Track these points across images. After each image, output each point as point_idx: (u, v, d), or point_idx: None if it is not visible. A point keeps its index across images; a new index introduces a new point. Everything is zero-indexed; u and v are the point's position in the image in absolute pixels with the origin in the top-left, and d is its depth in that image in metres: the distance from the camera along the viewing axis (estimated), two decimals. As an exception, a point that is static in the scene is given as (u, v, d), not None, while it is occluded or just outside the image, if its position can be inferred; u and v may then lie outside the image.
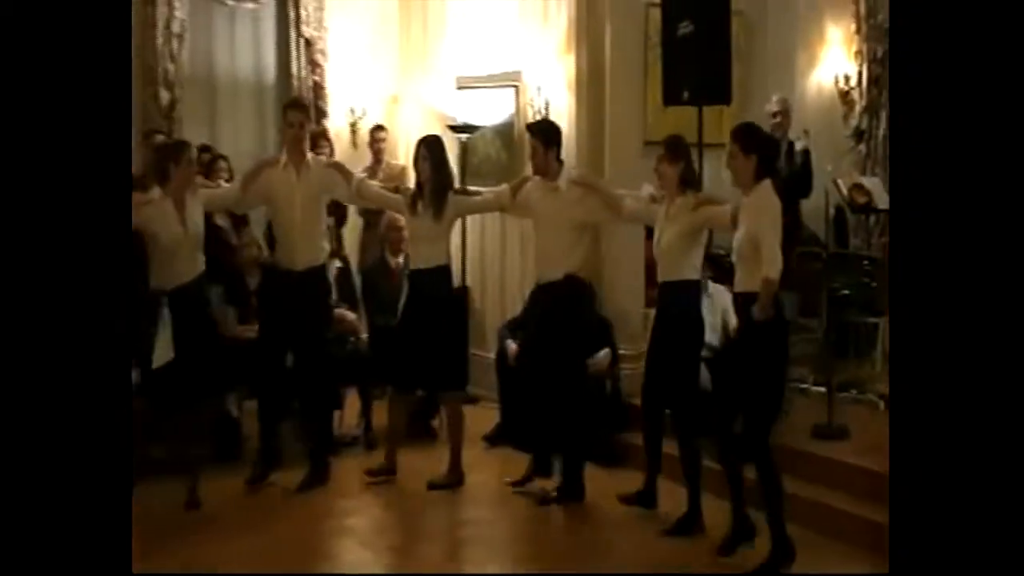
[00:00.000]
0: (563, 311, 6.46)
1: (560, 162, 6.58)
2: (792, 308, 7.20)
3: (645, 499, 6.30)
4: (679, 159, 5.98)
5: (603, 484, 6.63)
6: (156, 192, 6.06)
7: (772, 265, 5.15)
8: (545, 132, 6.59)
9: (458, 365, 6.99)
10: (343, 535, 6.24)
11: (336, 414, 7.72)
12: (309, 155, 6.76)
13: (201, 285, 6.33)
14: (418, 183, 6.73)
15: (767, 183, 5.35)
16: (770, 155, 5.57)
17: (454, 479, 6.84)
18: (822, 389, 6.97)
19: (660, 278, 6.08)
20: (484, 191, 7.42)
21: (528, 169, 8.35)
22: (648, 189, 6.46)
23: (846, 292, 7.34)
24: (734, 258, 5.53)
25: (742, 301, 5.39)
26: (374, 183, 7.28)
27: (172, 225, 6.04)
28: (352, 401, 7.87)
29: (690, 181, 6.02)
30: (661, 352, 6.09)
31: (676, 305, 6.02)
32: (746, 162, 5.35)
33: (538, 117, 8.52)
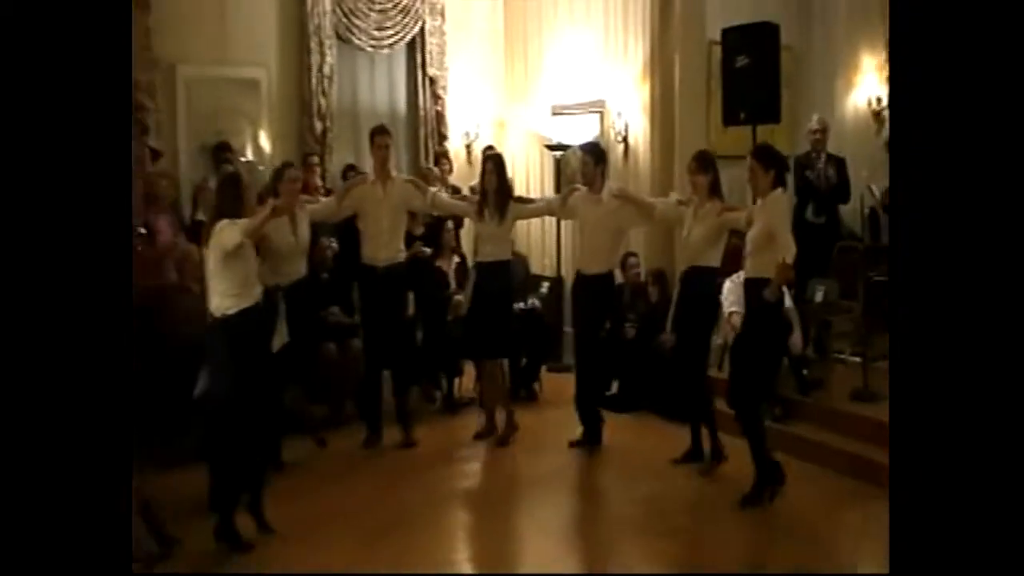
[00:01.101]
0: (606, 299, 6.64)
1: (604, 177, 6.60)
2: (833, 292, 7.13)
3: (693, 455, 6.27)
4: (708, 170, 6.03)
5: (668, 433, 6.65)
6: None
7: (789, 251, 5.22)
8: (596, 152, 6.65)
9: (508, 339, 6.92)
10: (459, 477, 6.34)
11: (456, 381, 7.82)
12: (393, 172, 6.74)
13: (307, 283, 6.29)
14: (484, 192, 6.67)
15: (779, 190, 5.45)
16: (783, 170, 5.60)
17: (509, 432, 6.83)
18: (859, 359, 6.87)
19: (687, 264, 6.15)
20: (537, 199, 7.49)
21: (612, 181, 8.38)
22: (675, 196, 6.59)
23: (880, 279, 7.19)
24: (747, 250, 5.53)
25: (752, 286, 5.46)
26: (444, 195, 7.19)
27: (285, 235, 6.00)
28: (468, 370, 7.89)
29: (717, 188, 6.06)
30: (685, 325, 6.16)
31: (699, 286, 6.08)
32: (765, 176, 5.43)
33: (619, 138, 8.54)
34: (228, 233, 4.93)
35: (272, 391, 5.47)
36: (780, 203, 5.45)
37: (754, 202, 5.72)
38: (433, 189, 7.08)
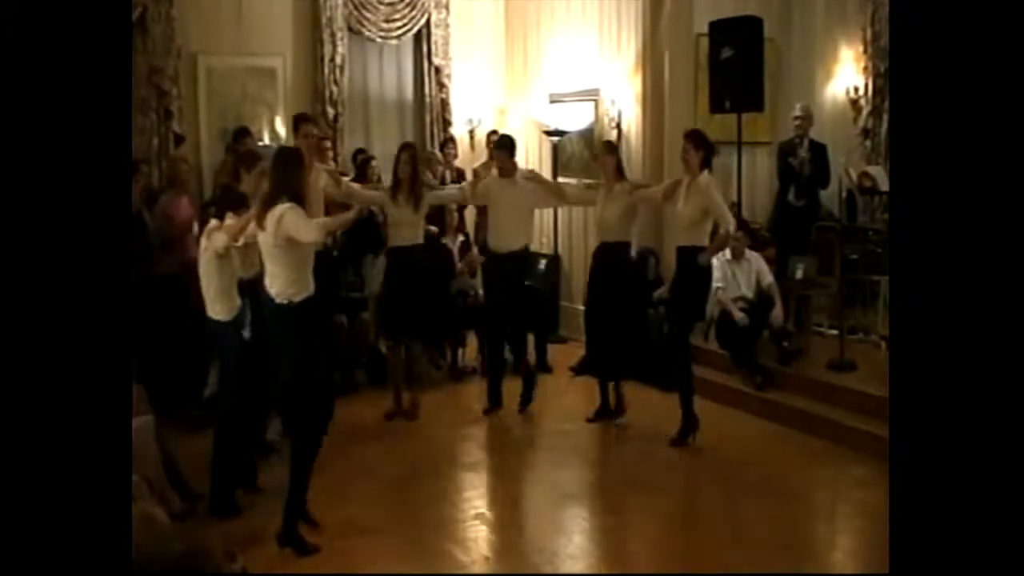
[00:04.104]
0: (522, 274, 6.72)
1: (515, 163, 6.63)
2: (812, 269, 7.14)
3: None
4: (614, 154, 6.29)
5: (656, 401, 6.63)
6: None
7: (731, 223, 5.69)
8: (509, 146, 6.63)
9: (434, 319, 6.80)
10: (466, 440, 6.35)
11: (460, 351, 7.83)
12: (316, 162, 6.30)
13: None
14: (397, 180, 6.42)
15: (707, 172, 5.74)
16: (711, 153, 5.86)
17: (409, 410, 6.61)
18: (835, 332, 6.88)
19: (601, 240, 6.30)
20: (449, 186, 7.42)
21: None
22: (586, 182, 6.94)
23: (855, 257, 7.21)
24: (680, 223, 5.86)
25: (685, 252, 5.78)
26: (356, 184, 6.89)
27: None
28: (471, 342, 7.90)
29: (622, 171, 6.28)
30: (603, 293, 6.26)
31: (616, 259, 6.24)
32: (695, 156, 5.73)
33: (612, 125, 8.50)
34: (298, 221, 4.27)
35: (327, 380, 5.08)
36: (711, 185, 5.72)
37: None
38: (347, 179, 6.83)
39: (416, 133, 9.35)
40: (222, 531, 4.60)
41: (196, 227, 6.42)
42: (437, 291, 7.06)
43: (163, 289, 6.48)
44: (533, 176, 6.75)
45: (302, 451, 4.49)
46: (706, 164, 5.75)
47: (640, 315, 6.76)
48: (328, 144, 7.80)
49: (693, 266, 5.73)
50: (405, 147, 6.73)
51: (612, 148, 6.37)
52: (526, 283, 7.93)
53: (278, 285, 4.38)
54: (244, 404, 4.96)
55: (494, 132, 9.11)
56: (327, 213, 6.60)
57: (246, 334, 4.85)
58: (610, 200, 6.18)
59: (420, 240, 6.60)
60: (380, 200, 6.72)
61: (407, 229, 6.46)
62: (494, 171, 6.65)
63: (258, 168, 5.09)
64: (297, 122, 6.44)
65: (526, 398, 6.68)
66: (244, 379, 4.87)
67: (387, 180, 7.68)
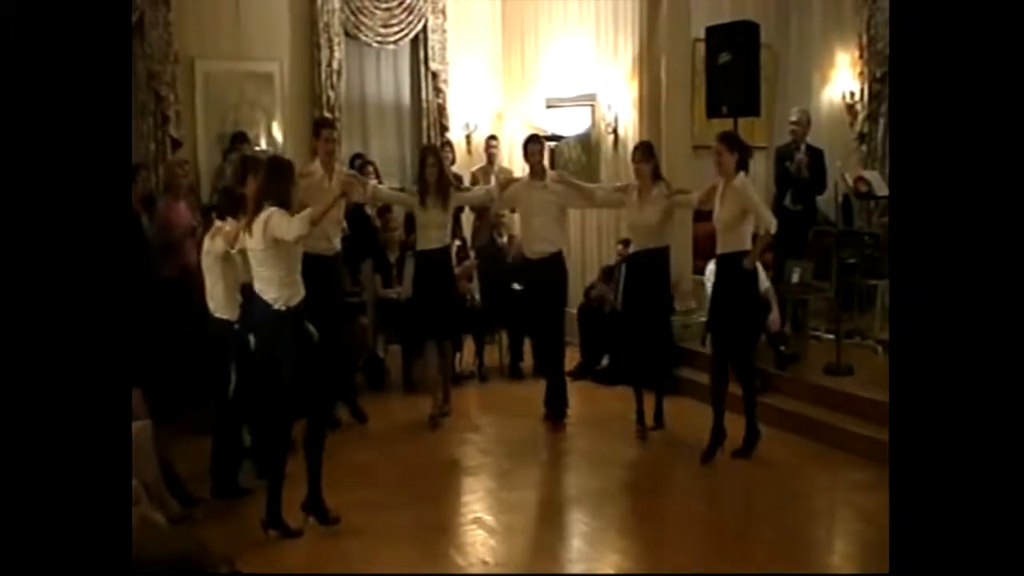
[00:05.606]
0: (557, 279, 6.51)
1: (544, 166, 6.60)
2: (809, 273, 7.15)
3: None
4: (650, 159, 6.14)
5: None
6: None
7: (772, 224, 5.45)
8: (543, 146, 6.65)
9: (453, 322, 6.75)
10: (464, 444, 6.33)
11: (457, 355, 7.80)
12: (336, 165, 6.36)
13: None
14: (426, 183, 6.38)
15: (743, 174, 5.56)
16: (745, 155, 5.71)
17: (447, 410, 6.67)
18: (832, 336, 6.87)
19: (641, 246, 6.19)
20: (476, 188, 7.39)
21: (602, 169, 8.43)
22: (614, 184, 6.79)
23: (852, 261, 7.22)
24: (719, 228, 5.65)
25: (727, 260, 5.59)
26: (383, 187, 7.01)
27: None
28: (468, 346, 7.89)
29: (659, 174, 6.18)
30: (646, 300, 6.19)
31: (654, 264, 6.14)
32: (730, 158, 5.56)
33: (609, 129, 8.53)
34: (283, 221, 4.35)
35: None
36: (748, 186, 5.58)
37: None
38: (373, 182, 6.86)
39: (413, 138, 9.41)
40: (221, 534, 4.61)
41: (200, 230, 6.44)
42: (455, 294, 7.00)
43: (162, 293, 6.50)
44: (562, 178, 6.66)
45: (315, 449, 4.68)
46: (742, 166, 5.57)
47: (669, 321, 6.68)
48: None
49: (738, 272, 5.53)
50: (430, 150, 6.76)
51: (648, 153, 6.16)
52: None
53: (272, 291, 4.45)
54: (252, 400, 5.04)
55: (494, 137, 9.14)
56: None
57: (252, 339, 4.86)
58: (647, 204, 6.06)
59: (448, 241, 6.62)
60: (407, 202, 6.75)
61: (436, 231, 6.48)
62: (501, 165, 6.61)
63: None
64: (318, 127, 6.46)
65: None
66: (252, 378, 4.96)
67: (389, 184, 7.79)
